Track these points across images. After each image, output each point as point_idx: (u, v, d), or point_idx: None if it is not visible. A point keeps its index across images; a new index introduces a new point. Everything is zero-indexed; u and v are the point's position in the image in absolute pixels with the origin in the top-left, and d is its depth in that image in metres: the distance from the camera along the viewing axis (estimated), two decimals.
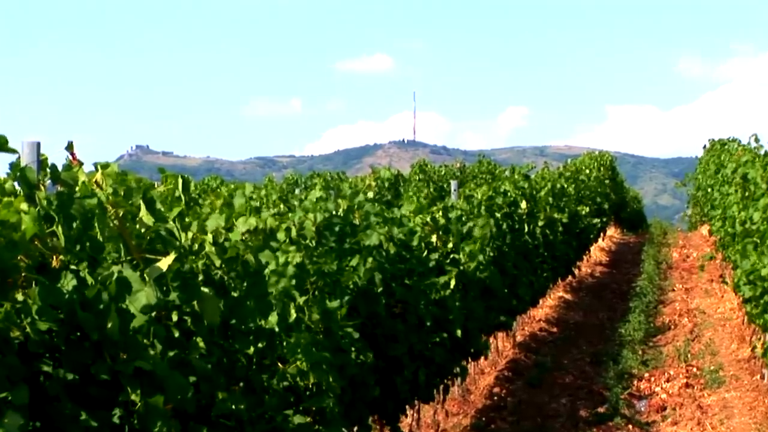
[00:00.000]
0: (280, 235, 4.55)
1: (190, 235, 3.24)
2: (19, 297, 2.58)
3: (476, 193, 9.39)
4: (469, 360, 8.08)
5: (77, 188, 2.92)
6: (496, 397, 9.34)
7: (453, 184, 9.65)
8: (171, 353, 2.97)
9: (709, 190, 16.71)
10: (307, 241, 4.87)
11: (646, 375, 10.20)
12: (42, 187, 2.86)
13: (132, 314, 2.77)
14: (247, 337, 3.45)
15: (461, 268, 7.39)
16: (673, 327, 12.87)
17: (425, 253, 6.72)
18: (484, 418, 8.62)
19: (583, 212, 15.82)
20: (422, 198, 8.04)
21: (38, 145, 3.08)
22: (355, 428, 5.03)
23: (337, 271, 4.85)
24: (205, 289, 3.13)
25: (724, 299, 13.92)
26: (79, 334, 2.63)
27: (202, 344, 3.17)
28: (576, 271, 15.54)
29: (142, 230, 3.04)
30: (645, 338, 12.17)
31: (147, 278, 2.89)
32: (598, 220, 18.34)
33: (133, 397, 2.68)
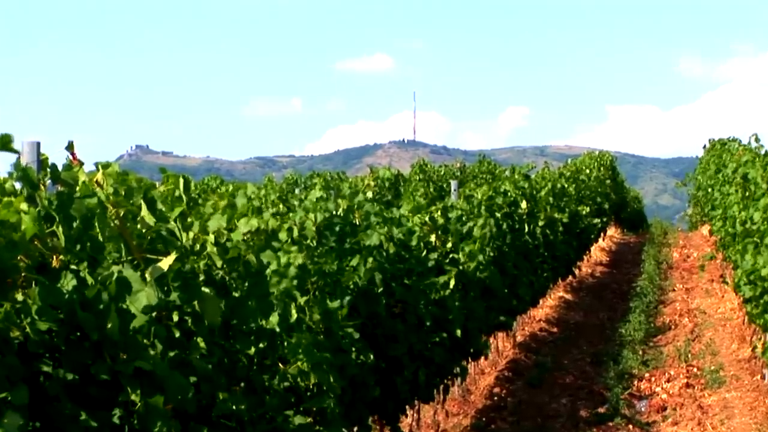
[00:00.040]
0: (282, 235, 4.54)
1: (191, 235, 3.23)
2: (19, 297, 2.58)
3: (476, 193, 9.39)
4: (469, 360, 8.08)
5: (77, 188, 2.91)
6: (496, 398, 9.33)
7: (453, 184, 9.65)
8: (171, 353, 2.97)
9: (710, 190, 16.71)
10: (308, 241, 4.87)
11: (647, 375, 10.20)
12: (42, 187, 2.86)
13: (132, 314, 2.77)
14: (248, 337, 3.45)
15: (461, 267, 7.39)
16: (673, 327, 12.87)
17: (424, 252, 6.72)
18: (484, 419, 8.61)
19: (584, 212, 15.81)
20: (420, 197, 8.04)
21: (38, 144, 3.08)
22: (355, 428, 5.03)
23: (337, 271, 4.84)
24: (206, 290, 3.12)
25: (724, 299, 13.92)
26: (79, 334, 2.63)
27: (202, 344, 3.16)
28: (576, 271, 15.54)
29: (143, 230, 3.04)
30: (645, 338, 12.17)
31: (148, 278, 2.89)
32: (599, 220, 18.34)
33: (133, 397, 2.67)
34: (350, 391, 4.70)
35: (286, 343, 3.89)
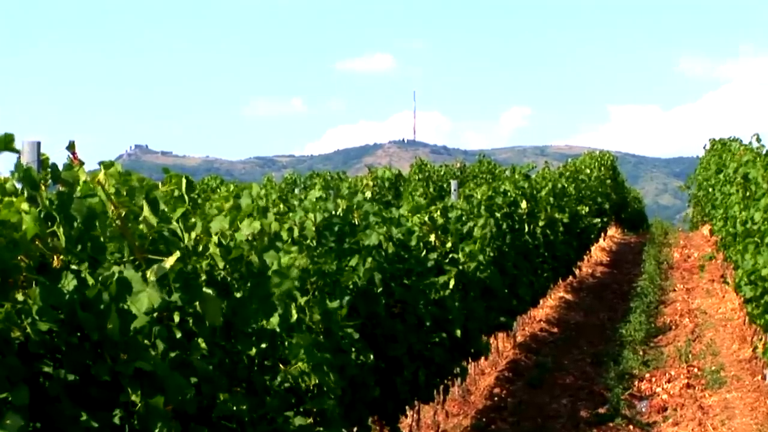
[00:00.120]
0: (282, 235, 4.54)
1: (193, 235, 3.23)
2: (20, 297, 2.57)
3: (476, 192, 9.39)
4: (469, 360, 8.07)
5: (78, 188, 2.91)
6: (496, 398, 9.33)
7: (453, 183, 9.65)
8: (172, 354, 2.97)
9: (710, 189, 16.71)
10: (308, 241, 4.86)
11: (647, 375, 10.19)
12: (43, 187, 2.86)
13: (133, 315, 2.76)
14: (249, 338, 3.45)
15: (461, 268, 7.39)
16: (674, 327, 12.86)
17: (424, 252, 6.71)
18: (484, 419, 8.61)
19: (584, 212, 15.81)
20: (419, 197, 8.03)
21: (38, 144, 3.08)
22: (355, 429, 5.02)
23: (336, 271, 4.84)
24: (208, 290, 3.12)
25: (725, 299, 13.91)
26: (79, 334, 2.63)
27: (203, 345, 3.16)
28: (576, 271, 15.53)
29: (145, 230, 3.03)
30: (646, 338, 12.16)
31: (151, 278, 2.89)
32: (599, 220, 18.33)
33: (133, 397, 2.67)
34: (350, 391, 4.70)
35: (286, 344, 3.88)
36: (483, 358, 8.73)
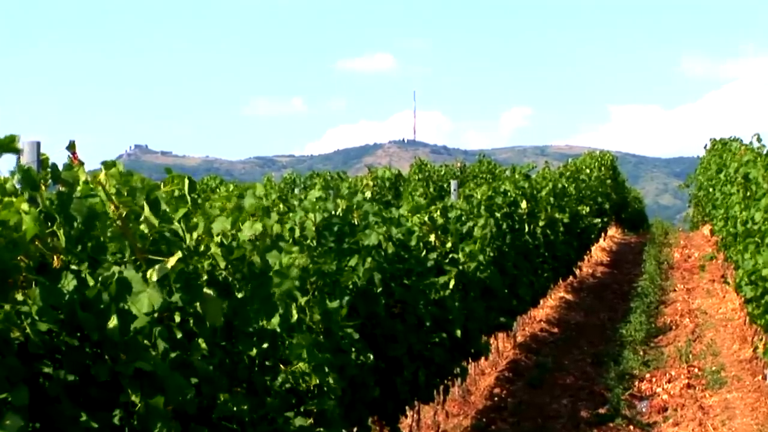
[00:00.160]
0: (283, 236, 4.53)
1: (195, 235, 3.22)
2: (20, 297, 2.57)
3: (476, 192, 9.38)
4: (470, 360, 8.06)
5: (78, 188, 2.91)
6: (496, 398, 9.32)
7: (453, 183, 9.64)
8: (173, 354, 2.96)
9: (711, 189, 16.71)
10: (308, 242, 4.86)
11: (648, 376, 10.19)
12: (43, 187, 2.85)
13: (133, 315, 2.76)
14: (250, 338, 3.44)
15: (461, 268, 7.38)
16: (674, 327, 12.85)
17: (423, 252, 6.71)
18: (484, 419, 8.60)
19: (584, 212, 15.80)
20: (419, 197, 8.02)
21: (38, 144, 3.08)
22: (355, 429, 5.02)
23: (336, 272, 4.83)
24: (209, 291, 3.11)
25: (725, 299, 13.91)
26: (79, 334, 2.62)
27: (204, 345, 3.15)
28: (577, 272, 15.53)
29: (146, 231, 3.03)
30: (646, 339, 12.16)
31: (153, 278, 2.88)
32: (599, 220, 18.33)
33: (133, 398, 2.67)
34: (350, 391, 4.69)
35: (287, 344, 3.88)
36: (483, 358, 8.73)
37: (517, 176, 11.79)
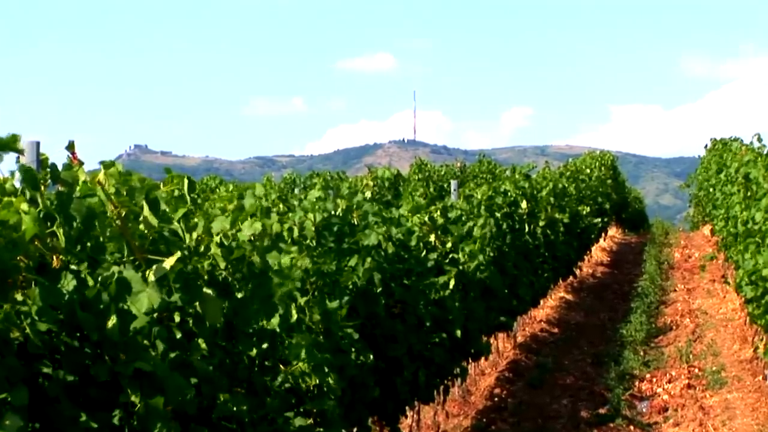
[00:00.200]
0: (283, 236, 4.53)
1: (194, 235, 3.22)
2: (19, 297, 2.57)
3: (476, 192, 9.37)
4: (470, 361, 8.06)
5: (78, 188, 2.90)
6: (496, 398, 9.32)
7: (453, 183, 9.64)
8: (172, 354, 2.96)
9: (711, 189, 16.70)
10: (308, 242, 4.86)
11: (648, 376, 10.18)
12: (42, 187, 2.85)
13: (133, 315, 2.76)
14: (250, 338, 3.44)
15: (461, 268, 7.37)
16: (674, 327, 12.85)
17: (423, 253, 6.71)
18: (484, 419, 8.60)
19: (585, 212, 15.80)
20: (419, 197, 8.01)
21: (38, 144, 3.07)
22: (355, 429, 5.01)
23: (336, 272, 4.83)
24: (209, 291, 3.11)
25: (726, 300, 13.90)
26: (78, 335, 2.62)
27: (204, 345, 3.15)
28: (577, 272, 15.52)
29: (145, 231, 3.02)
30: (646, 339, 12.15)
31: (151, 278, 2.88)
32: (600, 220, 18.32)
33: (133, 398, 2.66)
34: (350, 391, 4.69)
35: (286, 344, 3.88)
36: (483, 358, 8.72)
37: (517, 176, 11.78)
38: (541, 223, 11.57)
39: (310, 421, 3.78)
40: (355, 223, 5.57)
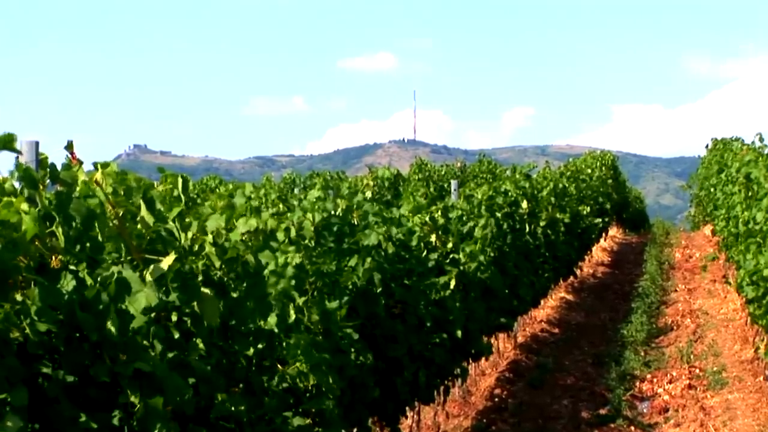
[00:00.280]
0: (280, 235, 4.53)
1: (189, 235, 3.22)
2: (19, 297, 2.57)
3: (477, 192, 9.37)
4: (470, 361, 8.06)
5: (77, 188, 2.90)
6: (497, 399, 9.31)
7: (453, 183, 9.63)
8: (170, 354, 2.96)
9: (712, 189, 16.69)
10: (306, 242, 4.85)
11: (649, 376, 10.18)
12: (41, 187, 2.85)
13: (132, 315, 2.75)
14: (246, 338, 3.43)
15: (461, 268, 7.37)
16: (675, 328, 12.84)
17: (424, 253, 6.70)
18: (484, 420, 8.60)
19: (585, 212, 15.79)
20: (420, 197, 8.01)
21: (37, 144, 3.07)
22: (355, 430, 5.01)
23: (335, 272, 4.83)
24: (205, 290, 3.11)
25: (727, 300, 13.89)
26: (78, 335, 2.62)
27: (201, 345, 3.15)
28: (578, 272, 15.52)
29: (143, 230, 3.02)
30: (647, 339, 12.15)
31: (148, 278, 2.87)
32: (600, 220, 18.32)
33: (132, 398, 2.66)
34: (349, 392, 4.69)
35: (284, 344, 3.87)
36: (484, 358, 8.72)
37: (517, 176, 11.78)
38: (542, 223, 11.56)
39: (309, 420, 3.78)
40: (355, 223, 5.57)
